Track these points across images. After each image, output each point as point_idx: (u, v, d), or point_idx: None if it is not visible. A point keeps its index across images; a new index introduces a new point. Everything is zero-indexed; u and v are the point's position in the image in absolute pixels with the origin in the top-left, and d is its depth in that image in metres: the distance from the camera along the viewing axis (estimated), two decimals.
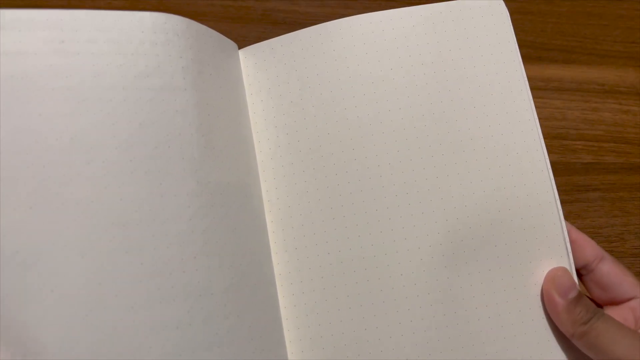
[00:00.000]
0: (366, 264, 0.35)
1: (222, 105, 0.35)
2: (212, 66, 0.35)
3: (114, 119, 0.31)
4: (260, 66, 0.38)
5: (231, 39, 0.37)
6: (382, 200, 0.36)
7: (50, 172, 0.29)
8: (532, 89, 0.38)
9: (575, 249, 0.36)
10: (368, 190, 0.36)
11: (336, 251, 0.35)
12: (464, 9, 0.39)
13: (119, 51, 0.32)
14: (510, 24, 0.38)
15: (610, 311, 0.36)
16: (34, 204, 0.29)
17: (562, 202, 0.36)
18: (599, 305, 0.37)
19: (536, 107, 0.37)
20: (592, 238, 0.37)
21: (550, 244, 0.36)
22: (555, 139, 0.53)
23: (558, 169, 0.50)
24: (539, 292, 0.35)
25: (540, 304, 0.35)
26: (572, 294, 0.34)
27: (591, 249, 0.37)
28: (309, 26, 0.38)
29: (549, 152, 0.37)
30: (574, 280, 0.35)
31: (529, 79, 0.38)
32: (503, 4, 0.39)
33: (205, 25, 0.35)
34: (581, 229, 0.40)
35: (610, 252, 0.46)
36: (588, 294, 0.38)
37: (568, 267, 0.36)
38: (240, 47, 0.38)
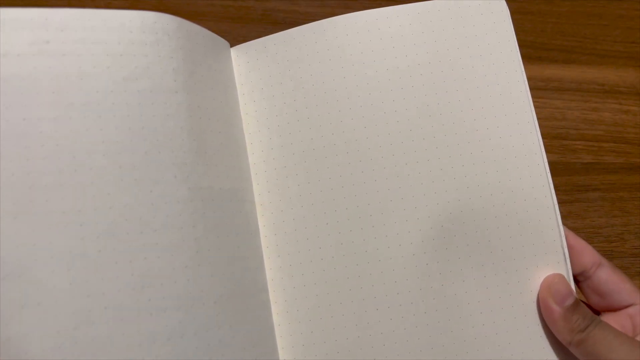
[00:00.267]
0: (359, 271, 0.35)
1: (214, 108, 0.34)
2: (203, 67, 0.34)
3: (101, 124, 0.30)
4: (253, 65, 0.37)
5: (231, 39, 0.36)
6: (376, 205, 0.35)
7: (35, 180, 0.28)
8: (532, 89, 0.37)
9: (573, 255, 0.36)
10: (362, 195, 0.35)
11: (329, 257, 0.35)
12: (463, 7, 0.38)
13: (106, 52, 0.31)
14: (511, 23, 0.38)
15: (608, 318, 0.36)
16: (18, 213, 0.28)
17: (562, 202, 0.36)
18: (597, 312, 0.37)
19: (536, 107, 0.36)
20: (592, 238, 0.37)
21: (547, 250, 0.36)
22: (555, 139, 0.53)
23: (558, 169, 0.50)
24: (534, 299, 0.35)
25: (536, 310, 0.35)
26: (569, 302, 0.34)
27: (589, 255, 0.36)
28: None
29: (549, 152, 0.36)
30: (570, 287, 0.34)
31: (529, 79, 0.37)
32: (504, 3, 0.38)
33: (206, 25, 0.34)
34: (581, 229, 0.40)
35: (610, 252, 0.47)
36: (585, 301, 0.37)
37: (565, 274, 0.35)
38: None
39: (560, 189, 0.36)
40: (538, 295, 0.35)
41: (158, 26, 0.32)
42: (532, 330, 0.35)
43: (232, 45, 0.37)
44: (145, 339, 0.29)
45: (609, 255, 0.49)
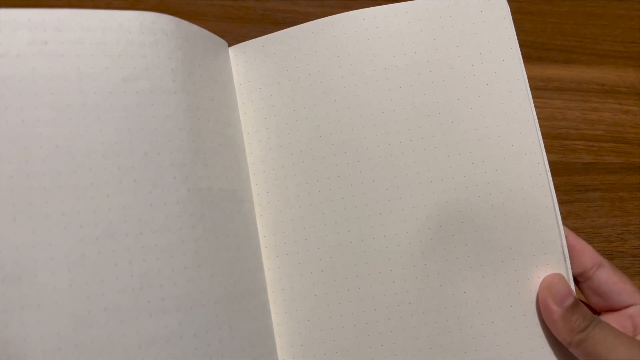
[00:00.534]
0: (358, 271, 0.35)
1: (212, 108, 0.34)
2: (202, 67, 0.34)
3: (100, 125, 0.30)
4: (251, 65, 0.37)
5: (231, 39, 0.36)
6: (374, 205, 0.35)
7: (34, 182, 0.28)
8: (532, 89, 0.37)
9: (574, 255, 0.36)
10: (360, 195, 0.35)
11: (328, 257, 0.35)
12: (463, 5, 0.37)
13: (105, 53, 0.31)
14: (512, 22, 0.37)
15: (608, 318, 0.36)
16: (18, 215, 0.28)
17: (562, 202, 0.36)
18: (596, 312, 0.37)
19: (536, 107, 0.36)
20: (592, 238, 0.37)
21: (547, 250, 0.36)
22: (555, 139, 0.53)
23: (558, 169, 0.50)
24: (533, 300, 0.35)
25: (535, 311, 0.35)
26: (569, 302, 0.34)
27: (590, 255, 0.36)
28: None
29: (549, 152, 0.36)
30: (570, 287, 0.34)
31: (529, 79, 0.37)
32: (505, 2, 0.38)
33: (205, 25, 0.34)
34: (581, 229, 0.40)
35: (610, 252, 0.47)
36: (585, 301, 0.38)
37: (565, 274, 0.35)
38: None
39: (560, 189, 0.36)
40: (537, 295, 0.35)
41: (156, 26, 0.32)
42: (531, 330, 0.35)
43: (231, 45, 0.37)
44: (144, 340, 0.29)
45: (609, 255, 0.49)
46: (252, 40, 0.37)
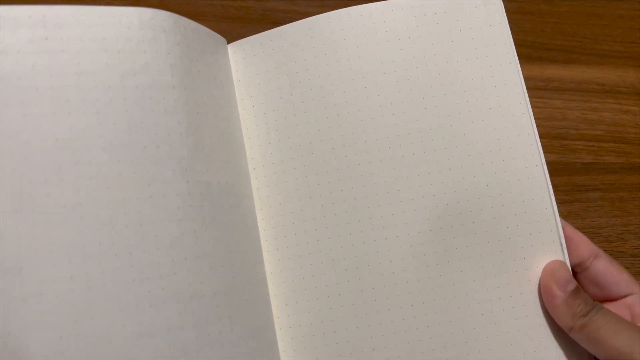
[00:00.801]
0: (358, 262, 0.35)
1: (211, 103, 0.34)
2: (201, 63, 0.34)
3: (100, 120, 0.30)
4: (250, 61, 0.37)
5: (231, 39, 0.37)
6: (373, 197, 0.35)
7: (35, 175, 0.29)
8: (532, 89, 0.37)
9: (570, 246, 0.36)
10: (359, 188, 0.36)
11: (327, 249, 0.35)
12: (458, 4, 0.38)
13: (104, 48, 0.31)
14: (506, 18, 0.38)
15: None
16: (19, 207, 0.28)
17: (562, 202, 0.36)
18: None
19: (536, 107, 0.37)
20: (592, 238, 0.37)
21: (544, 240, 0.36)
22: (555, 139, 0.53)
23: (558, 169, 0.50)
24: (533, 289, 0.35)
25: (534, 300, 0.35)
26: (571, 287, 0.34)
27: (586, 246, 0.37)
28: None
29: (549, 152, 0.36)
30: (571, 274, 0.35)
31: (529, 79, 0.37)
32: (500, 3, 0.38)
33: (205, 25, 0.34)
34: (581, 229, 0.40)
35: (610, 252, 0.47)
36: None
37: None
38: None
39: (560, 189, 0.36)
40: (540, 281, 0.35)
41: (155, 23, 0.33)
42: (531, 319, 0.35)
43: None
44: (145, 331, 0.29)
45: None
46: (251, 37, 0.37)
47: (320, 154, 0.36)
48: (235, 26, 0.49)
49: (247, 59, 0.37)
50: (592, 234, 0.50)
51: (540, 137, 0.37)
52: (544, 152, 0.37)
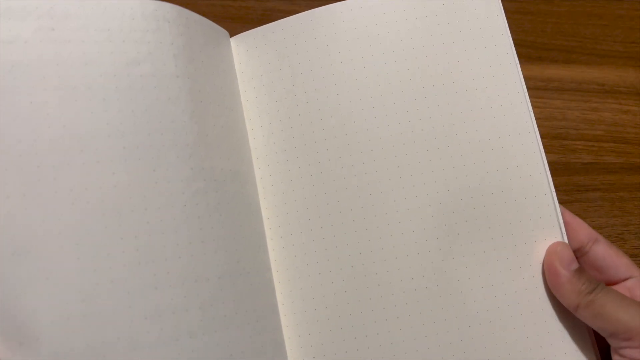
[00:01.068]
0: (361, 248, 0.35)
1: (214, 93, 0.35)
2: (203, 54, 0.35)
3: (106, 107, 0.31)
4: (252, 54, 0.38)
5: None
6: (375, 184, 0.36)
7: (42, 160, 0.29)
8: (532, 89, 0.38)
9: (569, 231, 0.37)
10: (362, 175, 0.36)
11: (331, 236, 0.35)
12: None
13: (109, 39, 0.32)
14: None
15: None
16: (27, 191, 0.29)
17: (562, 202, 0.36)
18: None
19: (536, 107, 0.37)
20: None
21: (544, 225, 0.36)
22: (555, 139, 0.53)
23: (558, 169, 0.50)
24: (534, 274, 0.36)
25: (536, 285, 0.35)
26: (574, 266, 0.34)
27: (585, 231, 0.37)
28: None
29: (549, 152, 0.37)
30: (573, 255, 0.35)
31: (529, 79, 0.38)
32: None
33: None
34: None
35: None
36: None
37: None
38: None
39: (560, 189, 0.36)
40: (543, 262, 0.36)
41: (159, 14, 0.33)
42: (533, 303, 0.35)
43: None
44: (151, 312, 0.29)
45: None
46: (253, 29, 0.38)
47: (323, 142, 0.36)
48: (235, 26, 0.49)
49: (249, 52, 0.38)
50: None
51: (541, 137, 0.38)
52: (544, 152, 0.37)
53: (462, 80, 0.37)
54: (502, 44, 0.38)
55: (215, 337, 0.31)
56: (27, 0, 0.31)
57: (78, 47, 0.31)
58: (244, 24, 0.50)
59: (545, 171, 0.37)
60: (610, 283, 0.37)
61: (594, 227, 0.48)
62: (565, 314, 0.35)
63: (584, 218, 0.49)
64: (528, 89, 0.38)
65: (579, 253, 0.37)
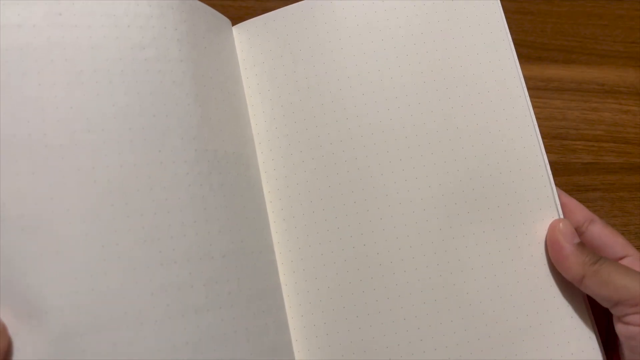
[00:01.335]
0: (362, 229, 0.36)
1: (217, 78, 0.36)
2: (206, 39, 0.36)
3: (112, 89, 0.32)
4: (254, 41, 0.39)
5: None
6: (376, 167, 0.37)
7: (51, 140, 0.30)
8: (532, 89, 0.38)
9: (566, 212, 0.37)
10: (363, 158, 0.37)
11: (333, 218, 0.36)
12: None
13: (115, 24, 0.33)
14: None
15: None
16: (36, 170, 0.29)
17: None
18: None
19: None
20: None
21: (542, 206, 0.37)
22: (555, 139, 0.54)
23: (558, 169, 0.50)
24: (533, 253, 0.36)
25: (535, 263, 0.36)
26: (577, 240, 0.35)
27: (581, 211, 0.38)
28: None
29: (549, 152, 0.37)
30: (574, 230, 0.36)
31: (529, 79, 0.38)
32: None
33: None
34: None
35: None
36: None
37: None
38: None
39: (560, 189, 0.36)
40: (546, 237, 0.36)
41: (162, 1, 0.34)
42: (532, 282, 0.36)
43: None
44: (156, 288, 0.30)
45: None
46: (255, 18, 0.39)
47: (324, 127, 0.37)
48: None
49: (251, 39, 0.39)
50: None
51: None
52: None
53: (459, 65, 0.38)
54: (498, 30, 0.39)
55: (220, 313, 0.31)
56: None
57: (84, 31, 0.32)
58: None
59: (542, 153, 0.37)
60: None
61: None
62: (564, 292, 0.36)
63: None
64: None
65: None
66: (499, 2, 0.39)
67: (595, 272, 0.34)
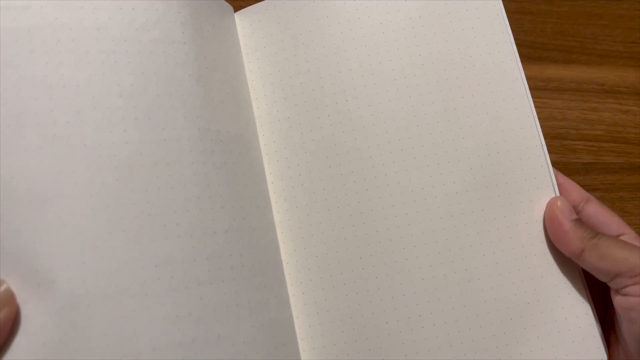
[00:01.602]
0: (362, 208, 0.37)
1: (219, 60, 0.37)
2: (209, 23, 0.37)
3: (117, 69, 0.33)
4: (256, 27, 0.40)
5: None
6: (375, 148, 0.37)
7: (58, 117, 0.31)
8: (532, 89, 0.39)
9: (562, 192, 0.38)
10: (362, 139, 0.37)
11: (333, 197, 0.37)
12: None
13: (120, 6, 0.34)
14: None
15: None
16: (44, 145, 0.30)
17: None
18: None
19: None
20: None
21: (539, 185, 0.37)
22: (555, 139, 0.54)
23: (558, 169, 0.49)
24: (531, 231, 0.37)
25: (532, 242, 0.37)
26: (574, 216, 0.36)
27: (577, 191, 0.38)
28: None
29: (549, 152, 0.38)
30: (572, 207, 0.37)
31: (529, 79, 0.38)
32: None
33: None
34: None
35: None
36: None
37: None
38: None
39: (556, 170, 0.37)
40: (544, 214, 0.37)
41: None
42: (529, 260, 0.36)
43: None
44: (161, 261, 0.31)
45: None
46: (256, 4, 0.40)
47: (324, 109, 0.38)
48: None
49: (253, 25, 0.40)
50: None
51: None
52: None
53: (457, 48, 0.39)
54: (495, 14, 0.40)
55: (223, 286, 0.32)
56: None
57: (91, 13, 0.33)
58: None
59: (539, 134, 0.38)
60: None
61: None
62: (562, 269, 0.36)
63: None
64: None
65: None
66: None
67: (594, 246, 0.34)
